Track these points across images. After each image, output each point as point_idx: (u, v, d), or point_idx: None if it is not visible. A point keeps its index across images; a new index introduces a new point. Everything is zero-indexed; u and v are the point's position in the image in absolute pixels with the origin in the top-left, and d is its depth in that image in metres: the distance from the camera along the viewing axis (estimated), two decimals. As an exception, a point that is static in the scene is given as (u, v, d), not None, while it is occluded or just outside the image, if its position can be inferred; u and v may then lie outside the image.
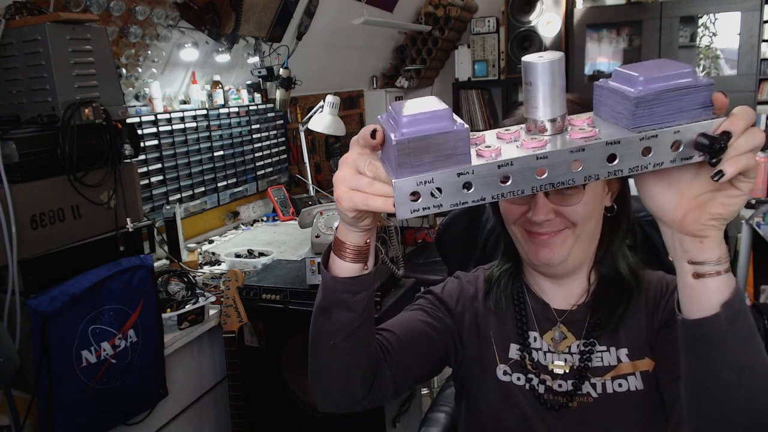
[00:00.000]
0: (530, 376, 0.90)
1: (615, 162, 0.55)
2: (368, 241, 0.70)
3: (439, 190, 0.54)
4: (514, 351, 0.93)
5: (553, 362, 0.90)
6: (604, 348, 0.88)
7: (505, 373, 0.92)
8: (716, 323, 0.60)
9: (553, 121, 0.57)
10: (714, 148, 0.53)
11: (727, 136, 0.54)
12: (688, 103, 0.54)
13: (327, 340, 0.76)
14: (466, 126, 0.54)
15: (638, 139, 0.54)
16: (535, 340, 0.92)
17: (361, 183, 0.59)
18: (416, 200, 0.54)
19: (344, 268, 0.72)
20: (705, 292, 0.61)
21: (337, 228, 0.71)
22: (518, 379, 0.91)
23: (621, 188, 0.90)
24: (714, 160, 0.54)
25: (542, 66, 0.56)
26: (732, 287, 0.61)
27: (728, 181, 0.56)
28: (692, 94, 0.54)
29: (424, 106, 0.54)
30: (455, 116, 0.55)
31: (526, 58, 0.57)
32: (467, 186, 0.54)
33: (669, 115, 0.54)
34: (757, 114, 3.85)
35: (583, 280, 0.91)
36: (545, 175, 0.54)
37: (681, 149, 0.55)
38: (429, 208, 0.54)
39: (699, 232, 0.60)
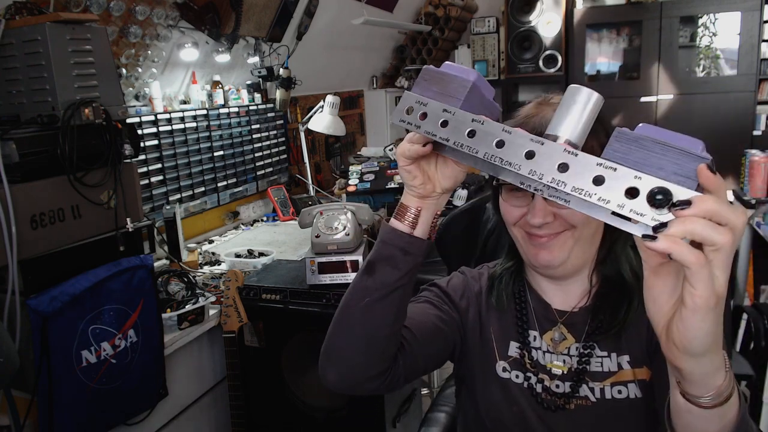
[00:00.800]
0: (529, 374, 0.90)
1: (564, 173, 0.53)
2: (420, 208, 0.76)
3: (426, 115, 0.65)
4: (513, 349, 0.93)
5: (552, 362, 0.90)
6: (605, 353, 0.87)
7: (504, 369, 0.93)
8: None
9: (566, 142, 0.57)
10: (654, 198, 0.48)
11: (683, 202, 0.46)
12: (669, 163, 0.49)
13: (363, 297, 0.77)
14: (472, 80, 0.65)
15: (595, 163, 0.52)
16: (534, 339, 0.92)
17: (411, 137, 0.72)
18: (408, 114, 0.66)
19: (402, 227, 0.77)
20: (691, 418, 0.55)
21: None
22: (517, 376, 0.91)
23: None
24: (657, 230, 0.47)
25: (585, 91, 0.59)
26: (732, 420, 0.54)
27: (682, 297, 0.49)
28: (676, 156, 0.49)
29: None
30: (479, 77, 0.66)
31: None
32: (444, 123, 0.63)
33: (643, 165, 0.50)
34: (757, 114, 3.86)
35: (584, 281, 0.91)
36: (500, 150, 0.58)
37: (636, 200, 0.49)
38: (411, 124, 0.66)
39: (671, 360, 0.53)
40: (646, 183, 0.49)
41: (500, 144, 0.58)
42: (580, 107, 0.59)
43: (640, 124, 0.53)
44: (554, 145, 0.55)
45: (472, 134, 0.61)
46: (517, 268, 0.97)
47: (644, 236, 0.49)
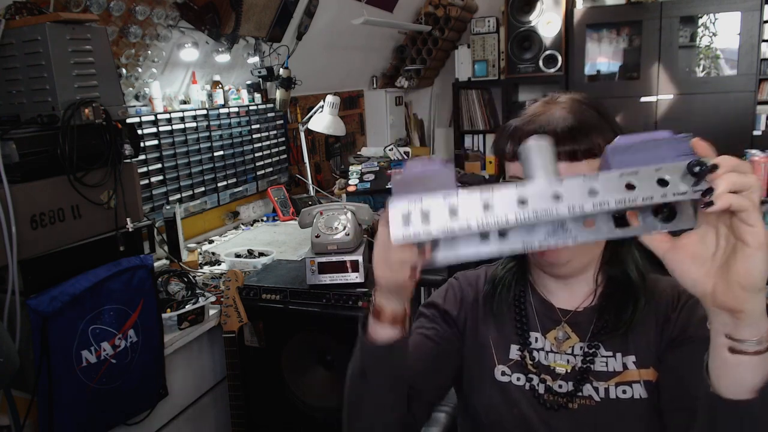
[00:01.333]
0: (531, 376, 0.90)
1: (598, 195, 0.55)
2: (406, 308, 0.74)
3: (428, 215, 0.57)
4: (514, 352, 0.93)
5: (555, 362, 0.89)
6: (609, 353, 0.87)
7: (503, 373, 0.92)
8: (749, 409, 0.59)
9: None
10: (694, 170, 0.54)
11: (712, 167, 0.54)
12: (667, 151, 0.56)
13: (361, 397, 0.82)
14: (451, 165, 0.61)
15: (617, 175, 0.55)
16: (536, 340, 0.92)
17: (384, 243, 0.66)
18: (407, 225, 0.58)
19: (382, 332, 0.76)
20: (740, 370, 0.59)
21: (374, 293, 0.76)
22: (518, 379, 0.91)
23: None
24: (706, 196, 0.54)
25: (531, 143, 0.60)
26: None
27: (738, 238, 0.55)
28: (669, 143, 0.56)
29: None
30: (447, 163, 0.61)
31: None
32: (453, 211, 0.57)
33: (651, 161, 0.56)
34: (757, 114, 3.86)
35: (589, 281, 0.91)
36: (527, 206, 0.56)
37: (669, 186, 0.54)
38: (420, 233, 0.57)
39: (733, 305, 0.57)
40: (667, 170, 0.55)
41: (522, 201, 0.56)
42: (538, 155, 0.60)
43: (615, 139, 0.58)
44: (572, 178, 0.56)
45: (487, 207, 0.57)
46: (519, 269, 0.97)
47: (705, 205, 0.54)
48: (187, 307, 1.83)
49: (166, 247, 2.29)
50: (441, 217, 0.57)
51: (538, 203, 0.56)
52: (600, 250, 0.89)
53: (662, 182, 0.54)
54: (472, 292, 1.00)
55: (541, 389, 0.89)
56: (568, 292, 0.92)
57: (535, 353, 0.91)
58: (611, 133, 0.81)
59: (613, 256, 0.89)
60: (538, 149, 0.60)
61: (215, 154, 2.83)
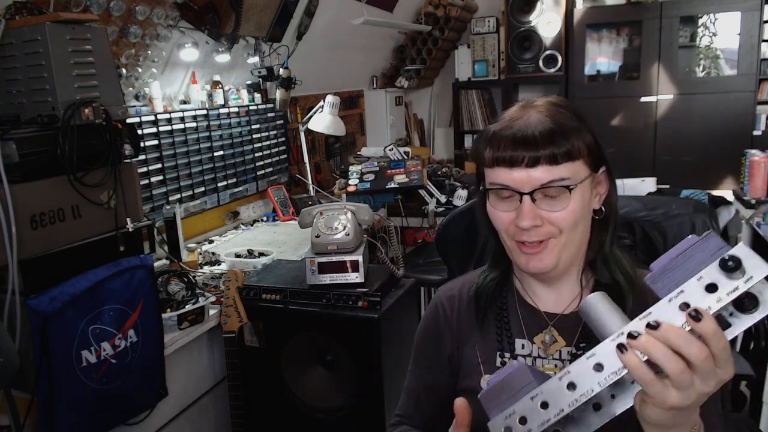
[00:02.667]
0: None
1: (659, 328, 0.57)
2: None
3: (525, 419, 0.61)
4: (500, 360, 0.92)
5: (542, 366, 0.89)
6: None
7: (488, 383, 0.92)
8: None
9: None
10: (727, 266, 0.55)
11: (736, 260, 0.54)
12: (701, 256, 0.57)
13: None
14: (522, 363, 0.65)
15: (668, 301, 0.57)
16: (523, 347, 0.91)
17: None
18: None
19: None
20: None
21: None
22: None
23: (609, 190, 0.88)
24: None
25: (588, 301, 0.63)
26: None
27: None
28: (699, 247, 0.57)
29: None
30: (521, 363, 0.65)
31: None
32: (545, 404, 0.60)
33: (691, 273, 0.57)
34: (757, 114, 3.86)
35: (574, 283, 0.90)
36: (605, 372, 0.59)
37: (719, 291, 0.56)
38: None
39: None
40: (707, 276, 0.56)
41: (599, 367, 0.59)
42: (601, 313, 0.63)
43: (651, 266, 0.60)
44: (630, 323, 0.59)
45: (572, 387, 0.60)
46: (503, 277, 0.96)
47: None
48: (187, 307, 1.83)
49: (166, 247, 2.29)
50: (536, 415, 0.60)
51: (613, 363, 0.58)
52: (583, 251, 0.88)
53: (710, 288, 0.56)
54: (452, 307, 1.00)
55: None
56: (555, 294, 0.91)
57: (521, 360, 0.90)
58: (588, 135, 0.82)
59: (597, 258, 0.89)
60: (597, 304, 0.63)
61: (215, 154, 2.83)
